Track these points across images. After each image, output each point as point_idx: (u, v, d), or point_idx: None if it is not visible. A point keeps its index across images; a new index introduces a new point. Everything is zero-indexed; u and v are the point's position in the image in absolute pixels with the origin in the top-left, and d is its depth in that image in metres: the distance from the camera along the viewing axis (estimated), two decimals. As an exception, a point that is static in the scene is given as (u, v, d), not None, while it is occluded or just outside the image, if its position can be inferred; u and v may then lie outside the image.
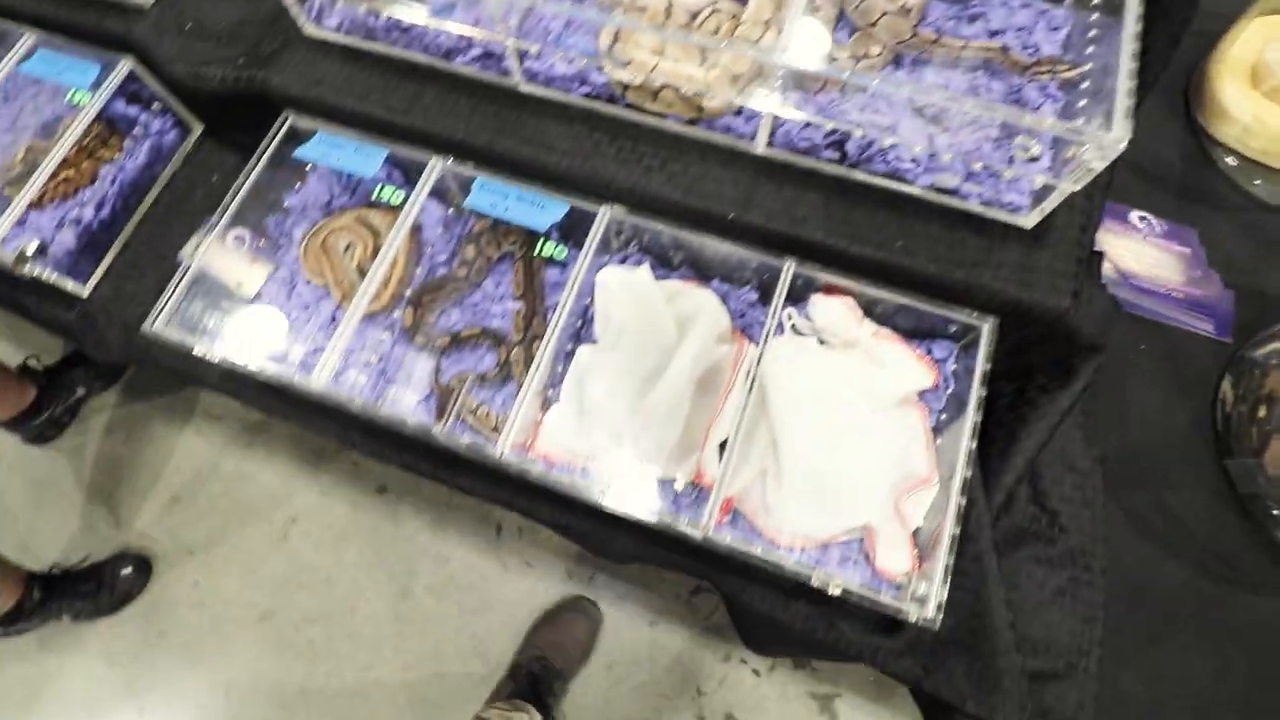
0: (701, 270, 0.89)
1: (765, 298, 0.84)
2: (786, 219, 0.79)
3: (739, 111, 0.82)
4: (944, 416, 0.81)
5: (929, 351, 0.83)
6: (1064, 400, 0.77)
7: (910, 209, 0.78)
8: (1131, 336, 0.92)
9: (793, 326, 0.81)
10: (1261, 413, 0.82)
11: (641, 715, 1.59)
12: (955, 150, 0.72)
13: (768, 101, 0.74)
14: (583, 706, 1.61)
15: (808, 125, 0.77)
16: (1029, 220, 0.76)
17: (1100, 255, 0.94)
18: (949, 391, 0.82)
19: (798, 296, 0.81)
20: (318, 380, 0.81)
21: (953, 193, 0.77)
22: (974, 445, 0.73)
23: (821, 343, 0.82)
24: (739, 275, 0.87)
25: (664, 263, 0.91)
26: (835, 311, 0.79)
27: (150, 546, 1.80)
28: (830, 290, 0.79)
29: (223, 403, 1.91)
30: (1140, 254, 0.95)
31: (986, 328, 0.75)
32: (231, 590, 1.76)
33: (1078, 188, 0.68)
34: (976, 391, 0.74)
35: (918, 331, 0.83)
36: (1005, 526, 0.81)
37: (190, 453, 1.89)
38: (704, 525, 0.70)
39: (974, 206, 0.77)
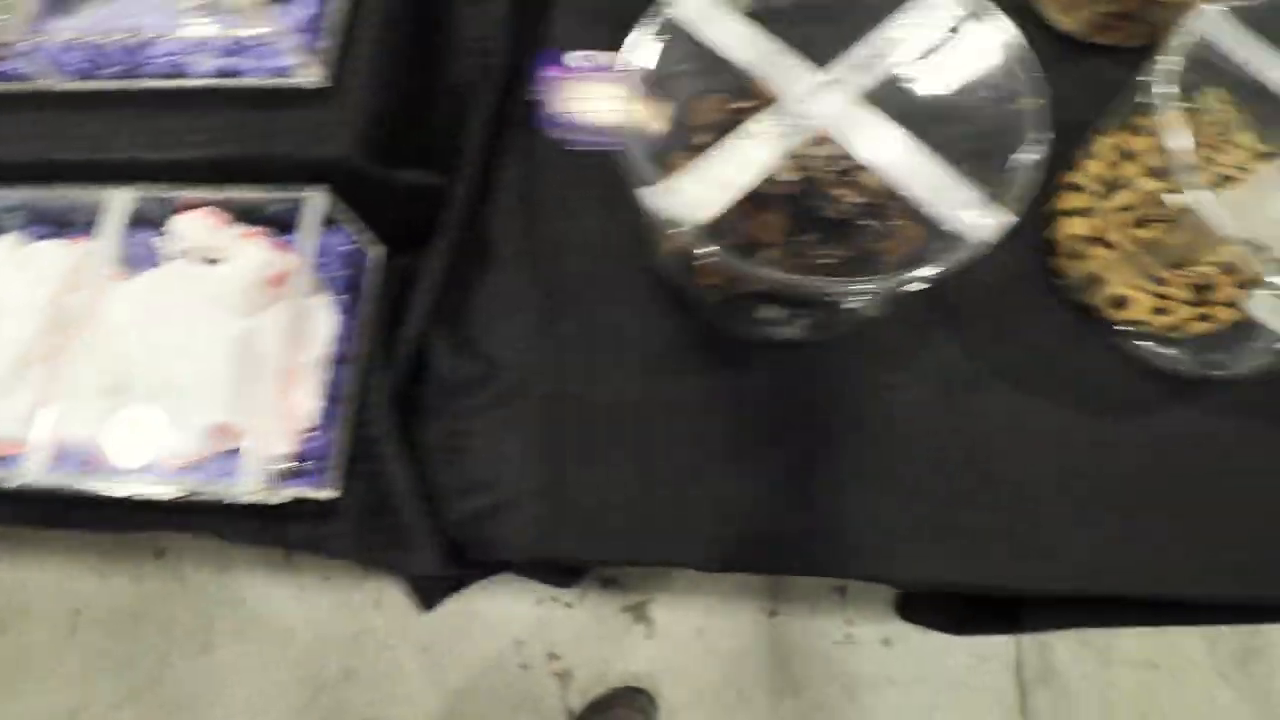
0: (52, 226, 0.85)
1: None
2: (105, 146, 0.77)
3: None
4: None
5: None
6: (437, 261, 0.77)
7: (202, 101, 0.78)
8: (572, 172, 0.91)
9: (157, 254, 0.79)
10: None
11: (471, 683, 1.59)
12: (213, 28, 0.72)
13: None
14: (411, 691, 1.59)
15: (76, 48, 0.76)
16: (311, 79, 0.76)
17: (533, 104, 0.94)
18: (330, 276, 0.81)
19: (157, 224, 0.80)
20: None
21: (233, 74, 0.76)
22: (337, 318, 0.73)
23: (210, 262, 0.80)
24: (86, 218, 0.81)
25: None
26: (191, 226, 0.77)
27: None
28: (188, 208, 0.78)
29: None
30: (579, 91, 0.95)
31: (316, 197, 0.74)
32: (31, 699, 1.71)
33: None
34: (309, 262, 0.73)
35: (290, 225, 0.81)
36: (437, 386, 0.80)
37: (-52, 582, 1.84)
38: (25, 472, 0.68)
39: (256, 81, 0.76)
